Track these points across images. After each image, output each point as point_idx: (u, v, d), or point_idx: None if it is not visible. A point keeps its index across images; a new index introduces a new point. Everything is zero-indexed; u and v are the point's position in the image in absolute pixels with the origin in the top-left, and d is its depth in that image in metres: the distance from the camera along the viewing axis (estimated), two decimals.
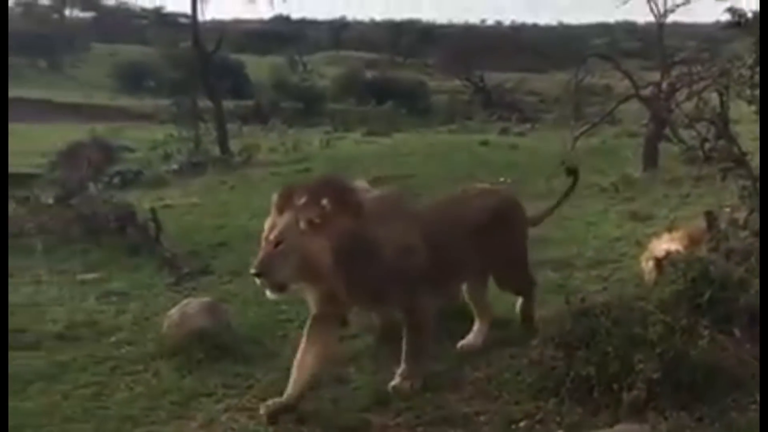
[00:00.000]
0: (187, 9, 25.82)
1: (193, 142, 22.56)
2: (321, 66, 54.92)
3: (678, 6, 23.50)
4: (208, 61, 24.41)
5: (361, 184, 6.66)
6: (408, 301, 5.96)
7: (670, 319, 5.52)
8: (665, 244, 7.98)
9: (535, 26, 77.64)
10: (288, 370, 5.93)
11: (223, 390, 6.18)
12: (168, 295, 8.52)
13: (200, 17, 24.17)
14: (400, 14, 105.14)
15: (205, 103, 25.21)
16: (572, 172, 7.55)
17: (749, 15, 7.65)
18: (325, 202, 5.58)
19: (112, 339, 7.26)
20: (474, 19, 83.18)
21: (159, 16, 61.83)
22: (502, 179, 15.83)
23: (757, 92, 7.35)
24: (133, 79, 46.56)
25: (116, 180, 16.11)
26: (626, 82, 18.90)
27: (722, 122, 7.62)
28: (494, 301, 7.16)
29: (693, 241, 7.67)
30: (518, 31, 71.87)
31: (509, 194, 7.47)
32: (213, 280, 9.19)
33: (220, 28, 32.84)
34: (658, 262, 7.79)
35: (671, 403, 5.20)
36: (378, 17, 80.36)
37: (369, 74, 48.88)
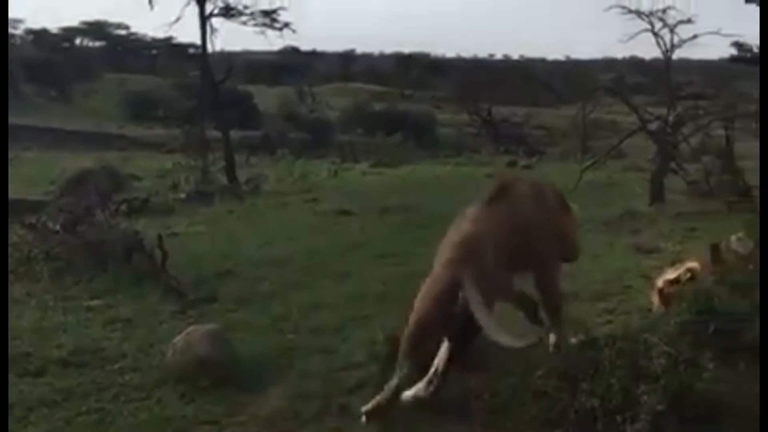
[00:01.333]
0: (196, 40, 25.99)
1: (201, 171, 22.66)
2: (329, 97, 55.18)
3: (684, 41, 23.62)
4: (216, 92, 24.54)
5: None
6: None
7: (674, 351, 5.51)
8: (667, 276, 8.01)
9: (543, 61, 78.05)
10: (291, 398, 5.95)
11: (226, 418, 6.16)
12: (173, 322, 8.48)
13: (209, 48, 24.33)
14: (408, 47, 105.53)
15: (213, 132, 25.34)
16: None
17: (755, 50, 7.68)
18: None
19: (117, 366, 7.24)
20: (483, 53, 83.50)
21: (169, 46, 62.22)
22: None
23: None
24: (142, 108, 46.86)
25: (123, 207, 16.12)
26: (632, 117, 18.95)
27: (727, 156, 7.64)
28: None
29: (695, 275, 7.69)
30: (526, 65, 72.20)
31: None
32: (218, 308, 9.17)
33: (230, 58, 33.04)
34: (661, 294, 7.82)
35: None
36: (387, 50, 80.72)
37: (377, 106, 49.11)
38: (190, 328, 7.21)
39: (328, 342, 7.72)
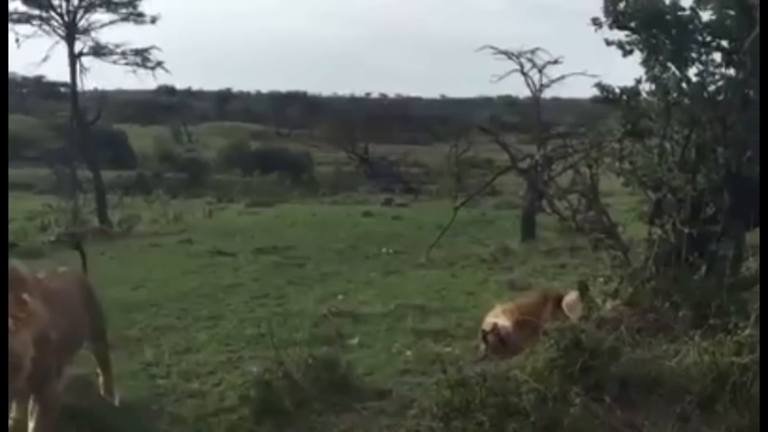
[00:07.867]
0: (68, 78, 25.39)
1: (72, 212, 22.14)
2: (206, 136, 54.70)
3: (553, 81, 24.27)
4: (87, 131, 24.07)
5: None
6: None
7: (543, 387, 5.58)
8: (493, 318, 8.15)
9: (419, 99, 78.95)
10: None
11: None
12: None
13: (80, 87, 23.87)
14: (285, 86, 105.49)
15: (85, 173, 24.83)
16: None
17: (617, 90, 7.90)
18: None
19: None
20: (359, 91, 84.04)
21: (39, 85, 60.74)
22: (384, 250, 15.95)
23: (626, 165, 7.58)
24: (11, 148, 45.61)
25: None
26: (506, 155, 19.30)
27: (592, 194, 7.82)
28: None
29: (523, 314, 7.86)
30: (403, 104, 72.97)
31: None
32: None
33: (102, 97, 32.48)
34: (485, 335, 7.93)
35: None
36: (263, 89, 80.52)
37: (254, 145, 48.94)
38: None
39: (200, 386, 7.59)
